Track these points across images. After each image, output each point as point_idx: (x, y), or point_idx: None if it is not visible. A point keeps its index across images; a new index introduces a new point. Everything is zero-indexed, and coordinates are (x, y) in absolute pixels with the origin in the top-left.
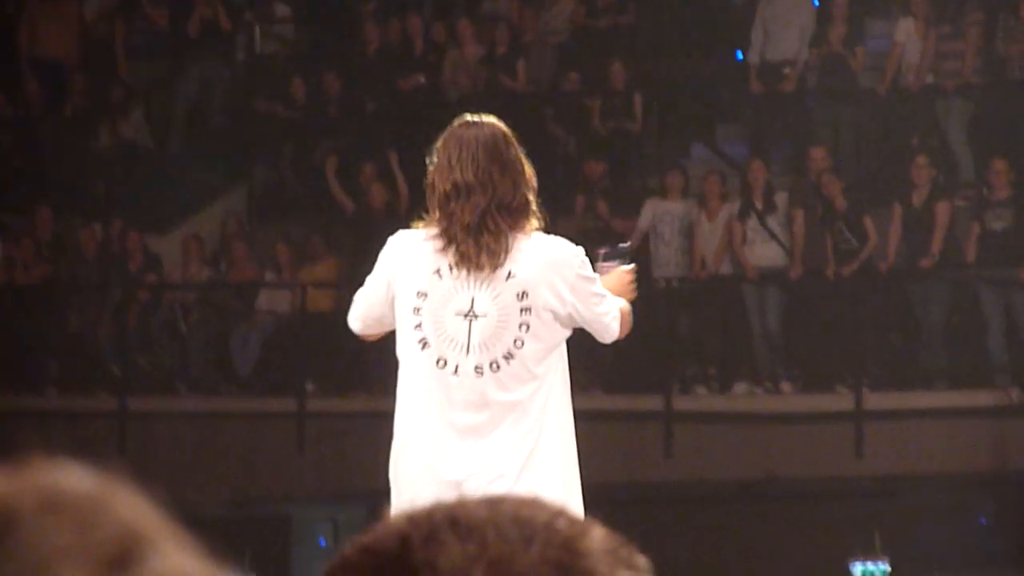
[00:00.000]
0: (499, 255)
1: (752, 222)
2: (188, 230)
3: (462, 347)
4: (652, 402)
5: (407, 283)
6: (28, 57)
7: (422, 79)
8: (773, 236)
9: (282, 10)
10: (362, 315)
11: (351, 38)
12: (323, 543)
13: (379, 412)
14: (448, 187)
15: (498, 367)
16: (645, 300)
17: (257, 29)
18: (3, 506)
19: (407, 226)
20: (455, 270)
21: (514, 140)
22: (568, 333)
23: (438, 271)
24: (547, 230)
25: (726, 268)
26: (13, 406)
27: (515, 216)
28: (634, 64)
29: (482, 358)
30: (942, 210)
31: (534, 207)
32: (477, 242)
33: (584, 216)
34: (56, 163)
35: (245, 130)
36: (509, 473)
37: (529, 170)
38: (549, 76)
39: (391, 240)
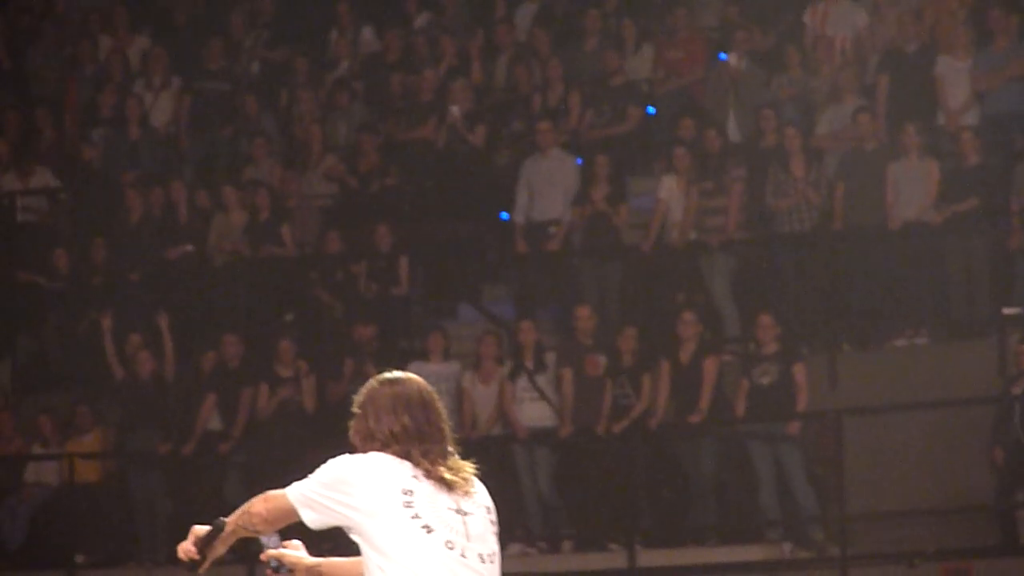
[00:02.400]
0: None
1: (523, 382)
2: None
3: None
4: None
5: (388, 486)
6: None
7: (189, 247)
8: (543, 395)
9: (39, 180)
10: (322, 518)
11: (114, 206)
12: None
13: None
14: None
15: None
16: None
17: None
18: None
19: (175, 395)
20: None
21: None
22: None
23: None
24: (319, 395)
25: (496, 429)
26: None
27: None
28: (399, 226)
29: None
30: (710, 365)
31: None
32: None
33: (353, 380)
34: None
35: (6, 301)
36: None
37: None
38: (313, 240)
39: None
